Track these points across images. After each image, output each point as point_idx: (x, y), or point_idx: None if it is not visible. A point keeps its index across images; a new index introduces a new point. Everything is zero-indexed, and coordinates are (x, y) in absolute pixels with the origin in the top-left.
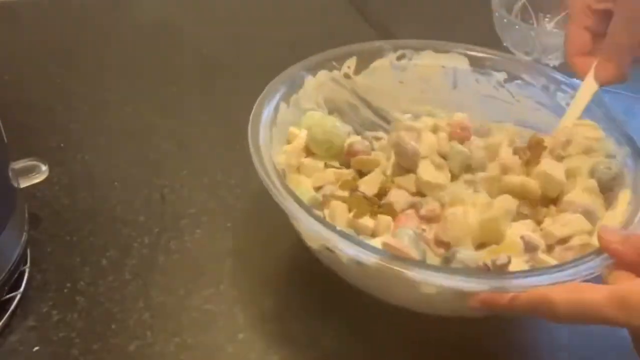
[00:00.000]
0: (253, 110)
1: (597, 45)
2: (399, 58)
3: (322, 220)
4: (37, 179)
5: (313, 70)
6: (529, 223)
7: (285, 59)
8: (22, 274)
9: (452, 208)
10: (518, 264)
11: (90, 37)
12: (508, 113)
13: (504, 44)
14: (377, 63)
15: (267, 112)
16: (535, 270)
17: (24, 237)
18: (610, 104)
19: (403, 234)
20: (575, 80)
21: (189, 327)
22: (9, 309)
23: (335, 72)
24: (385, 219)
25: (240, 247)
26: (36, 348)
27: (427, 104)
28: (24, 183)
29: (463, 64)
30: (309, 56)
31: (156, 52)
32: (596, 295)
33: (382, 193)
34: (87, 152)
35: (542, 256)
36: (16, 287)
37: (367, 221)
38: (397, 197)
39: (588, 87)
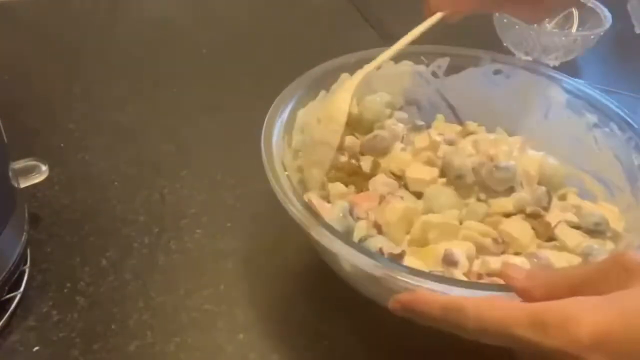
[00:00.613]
0: (266, 122)
1: None
2: (495, 72)
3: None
4: (37, 179)
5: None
6: (469, 246)
7: (285, 59)
8: (22, 274)
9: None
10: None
11: (90, 36)
12: (583, 160)
13: (504, 44)
14: (470, 70)
15: (279, 123)
16: (441, 278)
17: (24, 237)
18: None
19: (337, 204)
20: None
21: (189, 327)
22: (9, 309)
23: (422, 66)
24: (341, 187)
25: (241, 247)
26: (36, 348)
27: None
28: (24, 183)
29: (558, 95)
30: (308, 56)
31: (156, 52)
32: (510, 311)
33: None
34: (87, 152)
35: (457, 274)
36: (16, 287)
37: (337, 186)
38: (380, 179)
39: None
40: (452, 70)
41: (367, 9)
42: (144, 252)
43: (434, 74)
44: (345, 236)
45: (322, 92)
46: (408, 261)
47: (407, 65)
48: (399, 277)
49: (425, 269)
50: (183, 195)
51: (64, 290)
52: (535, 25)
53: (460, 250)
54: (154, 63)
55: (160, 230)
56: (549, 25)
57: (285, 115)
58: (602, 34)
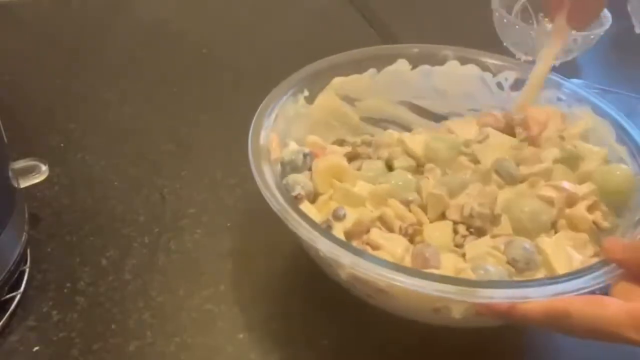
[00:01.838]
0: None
1: None
2: (558, 100)
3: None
4: (37, 179)
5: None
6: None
7: (285, 59)
8: (22, 274)
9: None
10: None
11: (90, 37)
12: None
13: (504, 44)
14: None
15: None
16: (526, 282)
17: (24, 237)
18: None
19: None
20: None
21: (189, 327)
22: (9, 309)
23: (489, 74)
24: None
25: (240, 247)
26: (36, 348)
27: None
28: (24, 183)
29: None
30: (308, 56)
31: (156, 52)
32: (616, 311)
33: None
34: (87, 152)
35: (337, 228)
36: (16, 287)
37: None
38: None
39: (547, 53)
40: (519, 85)
41: (367, 9)
42: (144, 252)
43: (499, 85)
44: (325, 230)
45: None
46: (304, 206)
47: (473, 68)
48: (359, 268)
49: (317, 218)
50: (183, 195)
51: (64, 290)
52: (535, 25)
53: (353, 213)
54: (154, 63)
55: (160, 230)
56: (549, 25)
57: (273, 115)
58: (602, 34)
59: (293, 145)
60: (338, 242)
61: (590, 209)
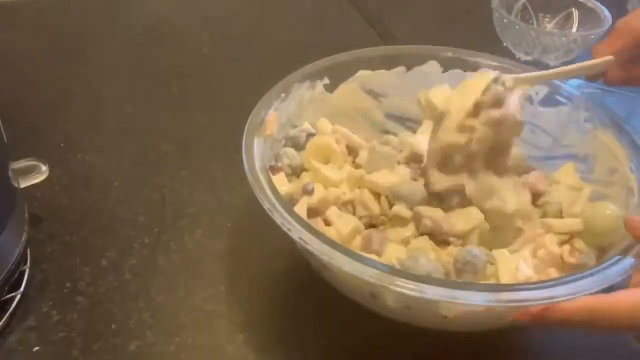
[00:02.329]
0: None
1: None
2: (586, 120)
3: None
4: (37, 179)
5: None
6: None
7: (285, 59)
8: (22, 274)
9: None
10: None
11: (89, 37)
12: None
13: (504, 44)
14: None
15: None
16: (551, 281)
17: (24, 237)
18: (612, 105)
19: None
20: None
21: (189, 327)
22: (9, 309)
23: None
24: None
25: (241, 247)
26: (36, 348)
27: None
28: (24, 183)
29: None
30: (308, 56)
31: (156, 52)
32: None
33: None
34: (87, 152)
35: (300, 204)
36: (16, 287)
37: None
38: None
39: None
40: (549, 101)
41: (367, 9)
42: (144, 252)
43: (530, 99)
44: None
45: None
46: (279, 177)
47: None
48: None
49: (285, 189)
50: (183, 195)
51: (64, 290)
52: (535, 25)
53: (324, 191)
54: (154, 62)
55: (160, 230)
56: (549, 25)
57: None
58: (602, 34)
59: (306, 126)
60: (290, 213)
61: (564, 242)
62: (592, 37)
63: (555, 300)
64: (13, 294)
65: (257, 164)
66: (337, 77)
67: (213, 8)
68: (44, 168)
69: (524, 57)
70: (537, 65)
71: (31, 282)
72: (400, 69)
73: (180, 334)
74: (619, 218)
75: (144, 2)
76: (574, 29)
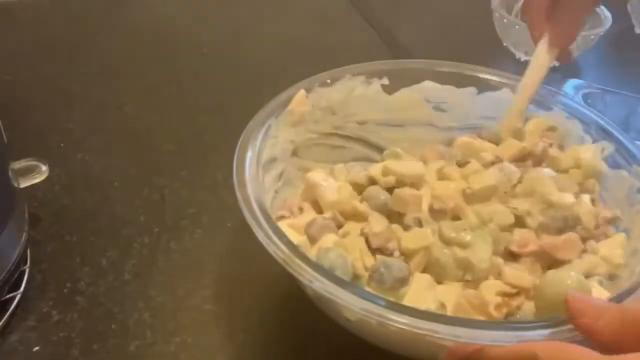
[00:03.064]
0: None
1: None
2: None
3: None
4: (37, 179)
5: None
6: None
7: (285, 59)
8: (22, 274)
9: None
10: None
11: (90, 37)
12: None
13: (504, 44)
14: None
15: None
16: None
17: (24, 237)
18: (611, 105)
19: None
20: None
21: (189, 327)
22: (9, 309)
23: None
24: None
25: (240, 247)
26: (36, 348)
27: None
28: (24, 183)
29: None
30: (308, 56)
31: (156, 52)
32: (585, 355)
33: None
34: (87, 152)
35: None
36: (16, 287)
37: None
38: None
39: (540, 61)
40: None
41: (367, 9)
42: (144, 252)
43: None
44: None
45: None
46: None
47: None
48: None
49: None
50: (183, 195)
51: (64, 290)
52: None
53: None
54: (154, 63)
55: (160, 230)
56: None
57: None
58: (602, 34)
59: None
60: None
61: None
62: (592, 37)
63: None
64: (13, 294)
65: (248, 162)
66: (398, 80)
67: (213, 8)
68: (44, 168)
69: (524, 57)
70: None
71: (31, 282)
72: (472, 89)
73: (180, 334)
74: (587, 285)
75: (144, 2)
76: None
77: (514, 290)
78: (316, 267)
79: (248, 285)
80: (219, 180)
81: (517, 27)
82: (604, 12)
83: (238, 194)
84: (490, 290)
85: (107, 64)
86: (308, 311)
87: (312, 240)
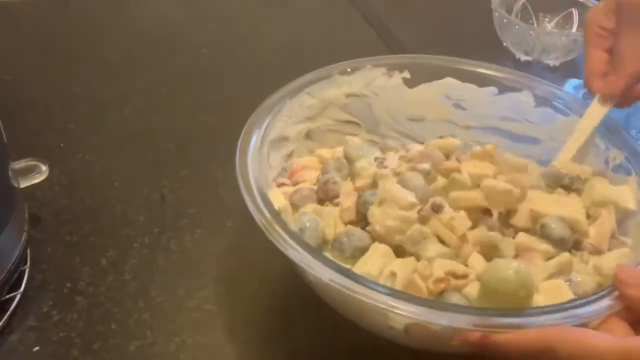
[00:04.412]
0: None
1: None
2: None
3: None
4: (37, 179)
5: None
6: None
7: (285, 59)
8: (22, 274)
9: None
10: None
11: (90, 37)
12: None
13: (504, 44)
14: None
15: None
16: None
17: (24, 237)
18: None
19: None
20: None
21: (189, 327)
22: (9, 309)
23: None
24: None
25: (241, 247)
26: (36, 348)
27: None
28: (24, 183)
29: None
30: (308, 56)
31: (156, 52)
32: (601, 343)
33: None
34: (87, 152)
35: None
36: (16, 287)
37: None
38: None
39: (595, 110)
40: None
41: (368, 9)
42: (144, 252)
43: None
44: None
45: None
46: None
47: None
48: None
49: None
50: (183, 195)
51: (64, 290)
52: (535, 25)
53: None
54: (153, 63)
55: (160, 230)
56: (549, 25)
57: (262, 130)
58: None
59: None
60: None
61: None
62: None
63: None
64: (13, 294)
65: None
66: (419, 75)
67: (213, 8)
68: (44, 168)
69: (524, 57)
70: (537, 65)
71: (31, 282)
72: (492, 89)
73: (180, 334)
74: (523, 283)
75: (143, 2)
76: (574, 29)
77: (461, 272)
78: (293, 235)
79: (248, 285)
80: (219, 180)
81: (517, 27)
82: None
83: (237, 162)
84: (442, 267)
85: (107, 64)
86: (308, 311)
87: (295, 207)
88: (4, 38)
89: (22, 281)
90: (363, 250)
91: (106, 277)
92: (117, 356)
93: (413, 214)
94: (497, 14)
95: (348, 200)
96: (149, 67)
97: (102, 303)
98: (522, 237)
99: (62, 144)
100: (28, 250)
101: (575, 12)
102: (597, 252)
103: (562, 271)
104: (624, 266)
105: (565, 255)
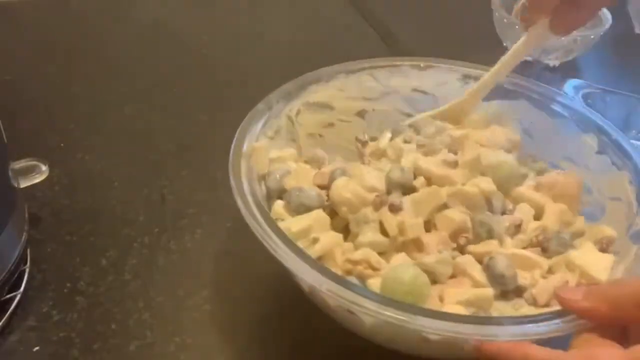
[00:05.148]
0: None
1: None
2: None
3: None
4: (37, 179)
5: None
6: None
7: (285, 59)
8: (22, 274)
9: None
10: None
11: (90, 37)
12: None
13: (504, 44)
14: None
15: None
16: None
17: (24, 237)
18: (611, 105)
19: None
20: None
21: (188, 327)
22: (9, 309)
23: None
24: None
25: (240, 247)
26: (36, 348)
27: None
28: (24, 183)
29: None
30: (308, 56)
31: (156, 52)
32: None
33: None
34: (87, 152)
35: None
36: (16, 287)
37: None
38: None
39: (533, 39)
40: None
41: (368, 9)
42: (144, 252)
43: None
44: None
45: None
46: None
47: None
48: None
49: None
50: (183, 195)
51: (64, 290)
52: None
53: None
54: (154, 63)
55: (160, 230)
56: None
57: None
58: (602, 34)
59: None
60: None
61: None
62: (592, 37)
63: None
64: (13, 294)
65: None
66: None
67: (213, 8)
68: (44, 168)
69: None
70: (537, 65)
71: (31, 282)
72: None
73: (180, 334)
74: (413, 288)
75: (143, 2)
76: None
77: (375, 264)
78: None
79: (248, 285)
80: (219, 180)
81: (517, 27)
82: (604, 12)
83: (230, 156)
84: (362, 253)
85: (107, 64)
86: (308, 311)
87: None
88: (4, 38)
89: (22, 281)
90: (307, 209)
91: (106, 277)
92: (117, 356)
93: (370, 196)
94: (497, 14)
95: (329, 167)
96: (149, 67)
97: (102, 303)
98: (464, 258)
99: (62, 144)
100: (28, 250)
101: None
102: (534, 304)
103: (480, 305)
104: (560, 287)
105: (487, 291)
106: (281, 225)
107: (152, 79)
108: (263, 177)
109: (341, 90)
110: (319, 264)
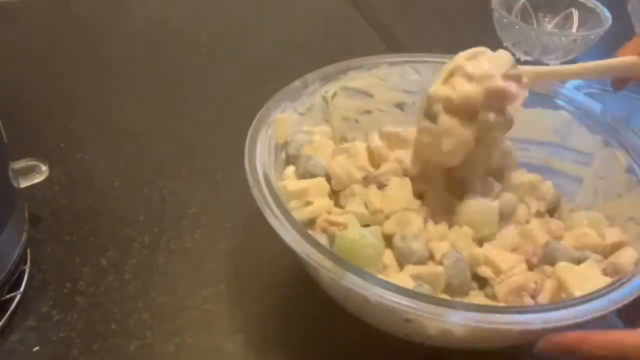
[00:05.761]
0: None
1: None
2: None
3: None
4: (37, 179)
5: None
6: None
7: (285, 59)
8: (22, 274)
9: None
10: None
11: (90, 37)
12: None
13: (504, 44)
14: None
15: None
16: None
17: (24, 237)
18: (611, 105)
19: None
20: None
21: (189, 327)
22: (9, 309)
23: None
24: None
25: (240, 247)
26: (36, 348)
27: None
28: (24, 183)
29: None
30: (308, 56)
31: (156, 52)
32: None
33: None
34: (87, 152)
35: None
36: (16, 287)
37: None
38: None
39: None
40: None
41: (368, 9)
42: (144, 252)
43: None
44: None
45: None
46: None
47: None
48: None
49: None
50: (183, 195)
51: (64, 290)
52: (535, 25)
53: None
54: (154, 63)
55: (160, 230)
56: (549, 25)
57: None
58: (602, 34)
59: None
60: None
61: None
62: (592, 37)
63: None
64: (13, 294)
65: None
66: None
67: (213, 8)
68: (44, 168)
69: (523, 57)
70: (537, 65)
71: (31, 282)
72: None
73: (180, 334)
74: (365, 246)
75: (143, 2)
76: (574, 29)
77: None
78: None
79: (248, 285)
80: (219, 180)
81: (517, 27)
82: (604, 12)
83: (254, 121)
84: (343, 218)
85: (107, 64)
86: (308, 311)
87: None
88: (4, 38)
89: (22, 281)
90: (312, 177)
91: (106, 277)
92: (117, 356)
93: (359, 174)
94: (497, 14)
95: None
96: (149, 67)
97: (102, 303)
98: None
99: (62, 144)
100: (28, 250)
101: (575, 12)
102: (493, 298)
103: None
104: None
105: (438, 269)
106: (280, 183)
107: (152, 79)
108: (285, 145)
109: (382, 79)
110: (287, 210)
